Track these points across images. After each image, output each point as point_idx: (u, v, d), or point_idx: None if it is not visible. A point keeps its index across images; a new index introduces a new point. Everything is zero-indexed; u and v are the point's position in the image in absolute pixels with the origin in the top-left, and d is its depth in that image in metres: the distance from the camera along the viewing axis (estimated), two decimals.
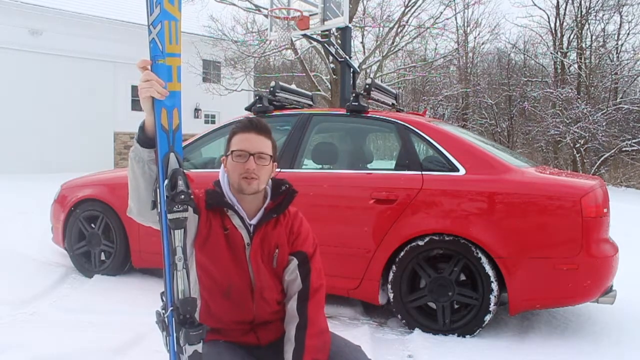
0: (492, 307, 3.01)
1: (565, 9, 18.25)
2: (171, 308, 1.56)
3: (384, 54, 16.17)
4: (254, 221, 1.80)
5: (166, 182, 1.55)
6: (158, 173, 1.57)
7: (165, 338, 1.60)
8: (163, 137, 1.55)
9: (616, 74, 16.54)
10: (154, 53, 1.56)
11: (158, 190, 1.58)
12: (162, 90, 1.53)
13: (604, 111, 14.58)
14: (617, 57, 17.79)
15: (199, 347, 1.55)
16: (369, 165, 3.77)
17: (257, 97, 3.96)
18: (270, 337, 1.87)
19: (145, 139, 1.58)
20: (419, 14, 16.33)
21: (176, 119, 1.57)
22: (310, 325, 1.74)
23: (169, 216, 1.57)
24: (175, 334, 1.55)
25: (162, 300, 1.61)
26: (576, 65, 17.37)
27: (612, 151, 14.48)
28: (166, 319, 1.58)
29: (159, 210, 1.60)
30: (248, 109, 3.98)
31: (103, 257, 4.14)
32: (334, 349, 1.78)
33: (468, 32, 22.83)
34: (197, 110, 17.77)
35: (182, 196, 1.55)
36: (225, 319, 1.81)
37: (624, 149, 14.42)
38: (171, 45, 1.55)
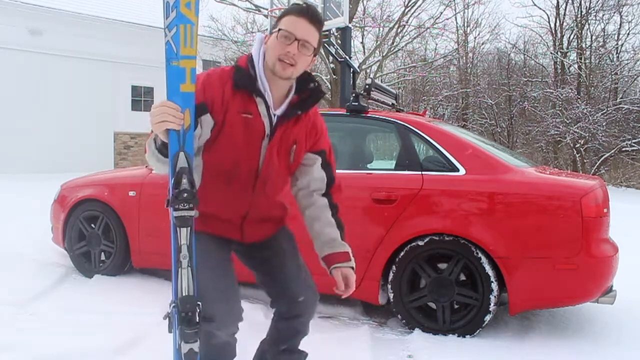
0: (492, 307, 3.01)
1: (565, 9, 18.26)
2: (174, 304, 1.61)
3: (384, 54, 16.18)
4: (278, 112, 1.78)
5: (172, 180, 1.59)
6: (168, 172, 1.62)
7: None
8: (174, 136, 1.59)
9: (616, 74, 16.53)
10: (169, 55, 1.60)
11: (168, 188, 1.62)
12: (178, 115, 1.56)
13: (604, 111, 14.57)
14: (617, 57, 17.79)
15: (195, 346, 1.59)
16: (368, 165, 3.77)
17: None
18: (254, 238, 1.93)
19: (165, 151, 1.63)
20: (419, 14, 16.36)
21: (187, 119, 1.61)
22: (340, 209, 1.96)
23: (175, 214, 1.60)
24: (176, 330, 1.61)
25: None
26: (576, 65, 17.37)
27: (612, 151, 14.47)
28: (170, 316, 1.63)
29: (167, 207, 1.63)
30: None
31: (103, 257, 4.14)
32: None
33: (468, 32, 22.87)
34: None
35: (185, 194, 1.57)
36: (220, 208, 1.82)
37: (624, 149, 14.42)
38: (186, 48, 1.59)
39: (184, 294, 1.60)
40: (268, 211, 1.93)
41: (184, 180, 1.58)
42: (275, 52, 1.70)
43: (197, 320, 1.61)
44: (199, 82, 1.69)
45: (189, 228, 1.61)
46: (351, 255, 1.94)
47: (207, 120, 1.72)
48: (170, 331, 1.65)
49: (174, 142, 1.58)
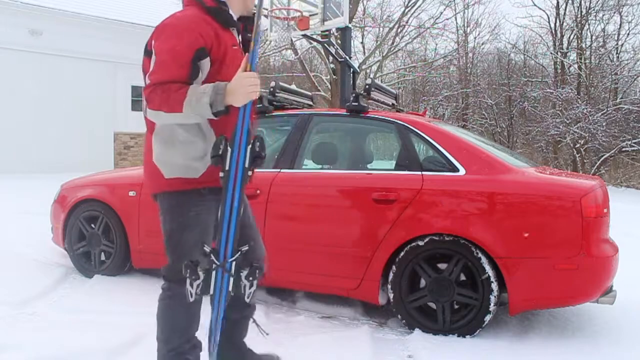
0: (492, 307, 3.01)
1: (565, 9, 18.27)
2: (233, 259, 1.91)
3: (384, 54, 16.20)
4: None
5: (249, 147, 1.92)
6: (233, 138, 1.92)
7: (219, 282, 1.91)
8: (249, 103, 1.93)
9: (616, 74, 16.53)
10: (256, 40, 1.94)
11: (230, 154, 1.90)
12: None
13: (604, 111, 14.57)
14: (617, 57, 17.79)
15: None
16: (369, 166, 3.77)
17: (257, 97, 3.96)
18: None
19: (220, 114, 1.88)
20: (419, 14, 16.40)
21: None
22: None
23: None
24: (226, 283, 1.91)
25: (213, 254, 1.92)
26: (576, 66, 17.37)
27: (612, 151, 14.47)
28: (226, 266, 1.90)
29: (228, 168, 1.90)
30: None
31: (103, 257, 4.14)
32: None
33: (468, 32, 22.88)
34: None
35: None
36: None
37: (624, 149, 14.41)
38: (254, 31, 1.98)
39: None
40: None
41: (258, 144, 1.94)
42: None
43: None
44: (192, 30, 1.90)
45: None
46: None
47: (206, 63, 1.93)
48: (208, 292, 1.89)
49: (249, 107, 1.93)
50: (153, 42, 1.96)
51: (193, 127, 1.98)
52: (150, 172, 2.10)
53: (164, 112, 1.87)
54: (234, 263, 1.91)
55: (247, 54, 1.93)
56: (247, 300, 1.93)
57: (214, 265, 1.88)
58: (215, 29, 1.96)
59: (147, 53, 2.02)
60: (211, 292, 1.90)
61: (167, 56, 1.88)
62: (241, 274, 1.91)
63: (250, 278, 1.90)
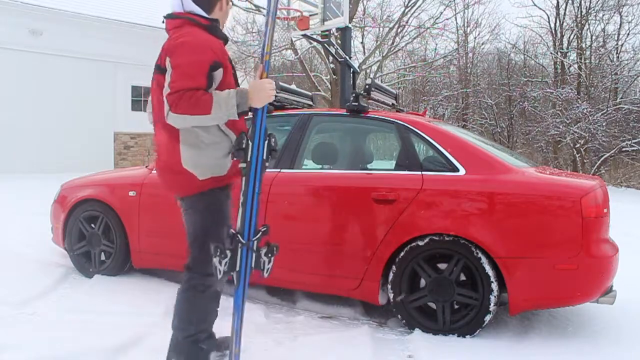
0: (492, 307, 3.01)
1: (565, 9, 18.25)
2: (256, 238, 2.20)
3: (384, 54, 16.20)
4: None
5: (266, 142, 2.24)
6: (253, 134, 2.22)
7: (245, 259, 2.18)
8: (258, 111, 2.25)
9: (616, 74, 16.53)
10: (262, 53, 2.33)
11: (251, 148, 2.20)
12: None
13: (604, 111, 14.57)
14: (617, 57, 17.78)
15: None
16: (369, 166, 3.77)
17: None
18: None
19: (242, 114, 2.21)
20: (419, 14, 16.39)
21: None
22: None
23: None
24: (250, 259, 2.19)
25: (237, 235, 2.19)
26: (576, 66, 17.36)
27: (612, 151, 14.47)
28: (250, 244, 2.18)
29: (249, 159, 2.20)
30: None
31: (103, 257, 4.14)
32: None
33: (468, 32, 22.85)
34: None
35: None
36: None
37: (624, 149, 14.42)
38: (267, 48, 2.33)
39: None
40: None
41: (273, 139, 2.27)
42: (228, 16, 2.49)
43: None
44: (206, 47, 2.19)
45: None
46: None
47: (219, 73, 2.21)
48: (236, 269, 2.17)
49: (266, 108, 2.26)
50: (168, 58, 2.19)
51: (214, 130, 2.25)
52: (179, 177, 2.30)
53: (189, 115, 2.11)
54: (255, 242, 2.20)
55: (261, 64, 2.28)
56: (266, 275, 2.21)
57: (239, 245, 2.17)
58: (220, 44, 2.29)
59: (160, 70, 2.26)
60: (237, 268, 2.17)
61: (188, 68, 2.13)
62: (261, 251, 2.21)
63: (269, 255, 2.21)
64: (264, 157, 2.24)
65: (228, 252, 2.15)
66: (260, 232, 2.23)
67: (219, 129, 2.25)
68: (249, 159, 2.21)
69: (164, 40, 2.28)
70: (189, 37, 2.19)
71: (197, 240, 2.31)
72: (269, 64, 2.31)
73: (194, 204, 2.31)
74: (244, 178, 2.22)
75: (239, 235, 2.18)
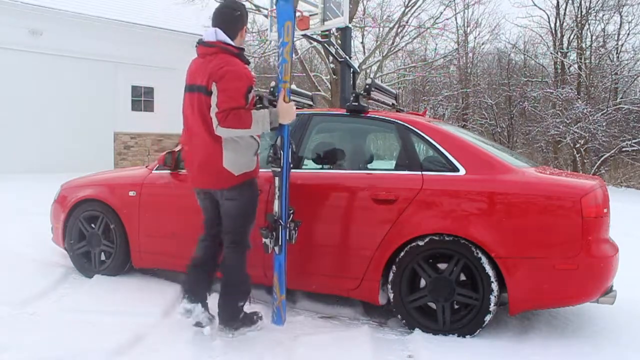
0: (492, 307, 3.01)
1: (565, 9, 18.24)
2: (290, 220, 3.01)
3: (384, 54, 16.20)
4: None
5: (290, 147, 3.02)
6: (282, 142, 2.97)
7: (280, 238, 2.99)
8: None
9: (616, 74, 16.51)
10: (279, 78, 3.02)
11: (281, 153, 2.97)
12: None
13: (604, 111, 14.57)
14: (617, 57, 17.77)
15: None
16: (369, 166, 3.77)
17: (257, 97, 3.96)
18: None
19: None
20: (419, 14, 16.38)
21: None
22: None
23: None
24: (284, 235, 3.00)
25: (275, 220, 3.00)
26: (576, 66, 17.35)
27: (612, 151, 14.47)
28: (282, 226, 2.99)
29: (281, 163, 2.97)
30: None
31: (103, 257, 4.14)
32: None
33: (468, 32, 22.84)
34: None
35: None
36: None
37: (624, 149, 14.41)
38: (285, 77, 3.01)
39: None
40: None
41: (293, 146, 3.10)
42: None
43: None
44: (244, 75, 2.83)
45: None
46: None
47: (251, 94, 2.88)
48: (278, 243, 2.99)
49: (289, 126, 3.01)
50: (214, 83, 2.78)
51: (247, 137, 2.91)
52: (218, 174, 2.88)
53: (234, 129, 2.77)
54: (290, 223, 3.01)
55: (283, 90, 2.96)
56: (293, 242, 3.03)
57: (280, 227, 2.97)
58: (249, 70, 2.87)
59: (207, 92, 2.81)
60: (279, 243, 2.98)
61: (233, 92, 2.77)
62: (291, 227, 3.03)
63: (296, 228, 3.04)
64: (289, 161, 3.00)
65: (274, 233, 2.97)
66: (291, 215, 3.01)
67: (251, 136, 2.92)
68: (281, 165, 2.96)
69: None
70: (231, 67, 2.79)
71: (240, 220, 2.95)
72: (290, 90, 3.02)
73: (240, 193, 2.92)
74: (276, 178, 2.98)
75: (280, 220, 2.96)
